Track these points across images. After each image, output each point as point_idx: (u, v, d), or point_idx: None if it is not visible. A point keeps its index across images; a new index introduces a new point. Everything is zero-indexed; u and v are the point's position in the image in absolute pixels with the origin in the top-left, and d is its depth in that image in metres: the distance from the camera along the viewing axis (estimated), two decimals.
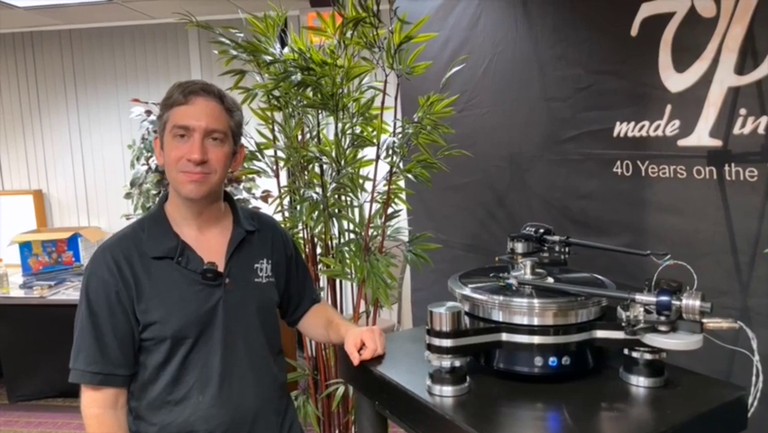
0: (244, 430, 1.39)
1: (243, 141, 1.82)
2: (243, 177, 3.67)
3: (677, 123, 1.80)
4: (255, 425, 1.40)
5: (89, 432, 1.29)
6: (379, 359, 1.35)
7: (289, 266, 1.55)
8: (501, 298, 1.21)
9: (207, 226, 1.40)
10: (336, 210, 2.27)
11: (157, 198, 3.85)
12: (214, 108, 1.32)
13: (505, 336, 1.19)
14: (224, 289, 1.36)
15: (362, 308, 2.32)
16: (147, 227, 1.37)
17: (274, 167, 2.33)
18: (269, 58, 2.16)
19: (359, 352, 1.35)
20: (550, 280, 1.30)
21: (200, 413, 1.33)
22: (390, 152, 2.20)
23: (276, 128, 2.28)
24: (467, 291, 1.28)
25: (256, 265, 1.44)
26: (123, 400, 1.33)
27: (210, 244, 1.38)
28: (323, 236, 2.27)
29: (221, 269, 1.36)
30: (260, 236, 1.48)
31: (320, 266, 2.34)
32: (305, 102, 2.19)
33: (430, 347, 1.16)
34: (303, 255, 2.11)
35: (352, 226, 2.30)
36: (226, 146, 1.34)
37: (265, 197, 3.80)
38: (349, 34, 2.09)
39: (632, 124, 1.92)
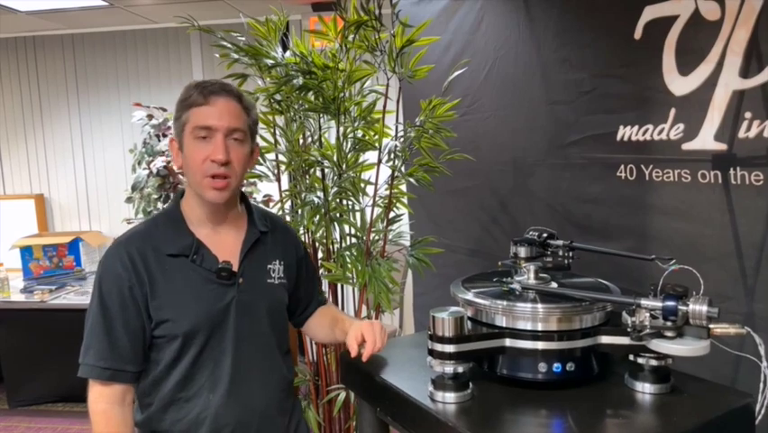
0: (252, 429, 1.39)
1: None
2: (245, 181, 3.67)
3: (681, 126, 1.79)
4: (262, 424, 1.41)
5: (96, 428, 1.29)
6: (381, 364, 1.34)
7: (300, 268, 1.56)
8: (505, 303, 1.20)
9: (222, 226, 1.41)
10: (338, 214, 2.26)
11: (158, 202, 3.87)
12: (235, 108, 1.32)
13: (508, 342, 1.18)
14: (238, 288, 1.36)
15: (364, 312, 2.31)
16: (162, 224, 1.37)
17: (275, 171, 2.33)
18: (270, 61, 2.15)
19: (360, 347, 1.36)
20: (554, 284, 1.29)
21: (210, 411, 1.34)
22: (392, 155, 2.19)
23: (277, 132, 2.28)
24: (470, 296, 1.26)
25: (269, 266, 1.45)
26: (130, 396, 1.33)
27: (224, 243, 1.39)
28: (324, 241, 2.26)
29: (235, 269, 1.37)
30: (273, 238, 1.48)
31: (321, 271, 2.32)
32: (306, 106, 2.18)
33: (432, 353, 1.15)
34: None
35: (353, 231, 2.29)
36: (246, 146, 1.35)
37: (266, 201, 3.80)
38: (351, 38, 2.08)
39: (636, 127, 1.91)
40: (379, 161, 2.20)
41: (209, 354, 1.34)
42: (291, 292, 1.52)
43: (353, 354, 1.35)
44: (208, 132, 1.29)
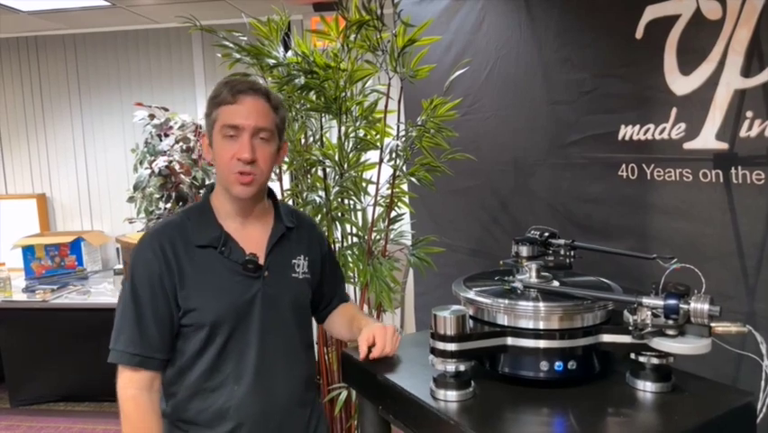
0: (274, 421, 1.42)
1: None
2: None
3: (682, 126, 1.79)
4: (284, 416, 1.44)
5: (125, 413, 1.32)
6: (383, 363, 1.34)
7: (324, 264, 1.58)
8: (506, 301, 1.20)
9: (250, 220, 1.44)
10: (339, 214, 2.26)
11: (160, 202, 3.88)
12: (263, 107, 1.36)
13: (510, 340, 1.18)
14: (263, 281, 1.40)
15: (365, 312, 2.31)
16: (193, 217, 1.41)
17: (277, 170, 2.33)
18: (272, 61, 2.15)
19: (370, 349, 1.37)
20: (555, 283, 1.29)
21: (234, 402, 1.37)
22: (394, 155, 2.20)
23: None
24: (471, 295, 1.27)
25: (294, 261, 1.48)
26: (157, 383, 1.36)
27: (251, 237, 1.42)
28: None
29: (261, 262, 1.40)
30: (299, 233, 1.51)
31: None
32: (308, 105, 2.19)
33: (434, 351, 1.15)
34: None
35: (354, 230, 2.29)
36: (273, 144, 1.38)
37: None
38: (352, 37, 2.08)
39: (637, 127, 1.91)
40: (381, 160, 2.20)
41: (234, 346, 1.37)
42: (315, 288, 1.55)
43: (362, 355, 1.36)
44: (236, 130, 1.33)
